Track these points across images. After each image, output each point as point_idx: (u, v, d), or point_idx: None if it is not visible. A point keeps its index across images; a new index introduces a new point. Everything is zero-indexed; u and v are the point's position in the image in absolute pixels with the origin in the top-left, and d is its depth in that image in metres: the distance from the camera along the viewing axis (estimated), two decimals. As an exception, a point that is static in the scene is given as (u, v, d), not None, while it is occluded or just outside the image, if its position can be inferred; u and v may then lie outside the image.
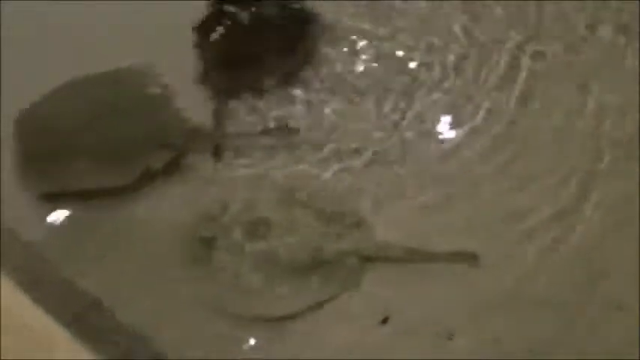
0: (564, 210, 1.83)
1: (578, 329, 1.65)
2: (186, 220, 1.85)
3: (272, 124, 2.02)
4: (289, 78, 2.10)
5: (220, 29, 2.08)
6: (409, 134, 2.00)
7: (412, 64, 2.14)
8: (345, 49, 2.17)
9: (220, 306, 1.72)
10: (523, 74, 2.08)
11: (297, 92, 2.08)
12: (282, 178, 1.93)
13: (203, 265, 1.78)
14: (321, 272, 1.75)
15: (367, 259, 1.77)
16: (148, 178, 1.91)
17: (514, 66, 2.10)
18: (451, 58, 2.13)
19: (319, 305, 1.71)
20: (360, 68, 2.14)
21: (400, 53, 2.16)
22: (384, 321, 1.69)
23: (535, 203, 1.84)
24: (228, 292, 1.74)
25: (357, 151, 1.97)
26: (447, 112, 2.04)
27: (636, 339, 1.61)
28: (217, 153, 1.98)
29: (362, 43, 2.19)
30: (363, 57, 2.16)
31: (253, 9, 2.10)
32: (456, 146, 1.97)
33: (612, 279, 1.71)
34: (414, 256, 1.76)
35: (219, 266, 1.77)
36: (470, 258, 1.74)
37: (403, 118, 2.03)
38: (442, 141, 1.99)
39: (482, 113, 2.02)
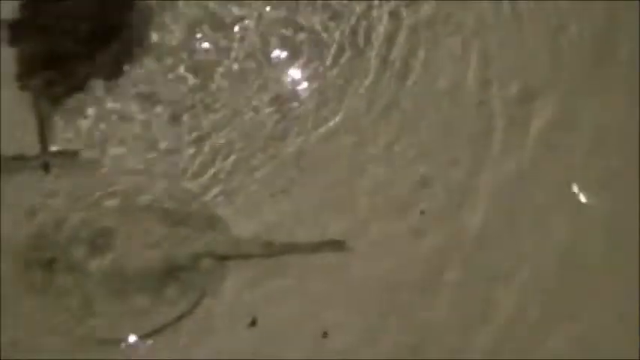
0: (443, 192, 1.78)
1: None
2: (18, 244, 1.69)
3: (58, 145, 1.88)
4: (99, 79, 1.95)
5: (32, 28, 1.94)
6: (269, 120, 1.89)
7: (265, 44, 2.00)
8: (174, 42, 2.02)
9: (71, 331, 1.60)
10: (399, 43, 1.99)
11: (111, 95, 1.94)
12: (119, 185, 1.80)
13: (45, 290, 1.64)
14: (176, 280, 1.65)
15: (224, 259, 1.69)
16: None
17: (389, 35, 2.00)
18: (314, 34, 2.01)
19: (180, 317, 1.62)
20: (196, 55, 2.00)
21: (251, 31, 2.02)
22: (252, 324, 1.62)
23: (408, 187, 1.78)
24: (77, 315, 1.61)
25: (201, 145, 1.86)
26: (310, 92, 1.93)
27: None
28: (45, 167, 1.83)
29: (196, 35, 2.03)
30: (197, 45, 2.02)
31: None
32: (321, 128, 1.88)
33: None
34: (274, 250, 1.69)
35: (62, 289, 1.63)
36: (335, 245, 1.68)
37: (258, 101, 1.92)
38: (303, 124, 1.89)
39: (351, 92, 1.93)
